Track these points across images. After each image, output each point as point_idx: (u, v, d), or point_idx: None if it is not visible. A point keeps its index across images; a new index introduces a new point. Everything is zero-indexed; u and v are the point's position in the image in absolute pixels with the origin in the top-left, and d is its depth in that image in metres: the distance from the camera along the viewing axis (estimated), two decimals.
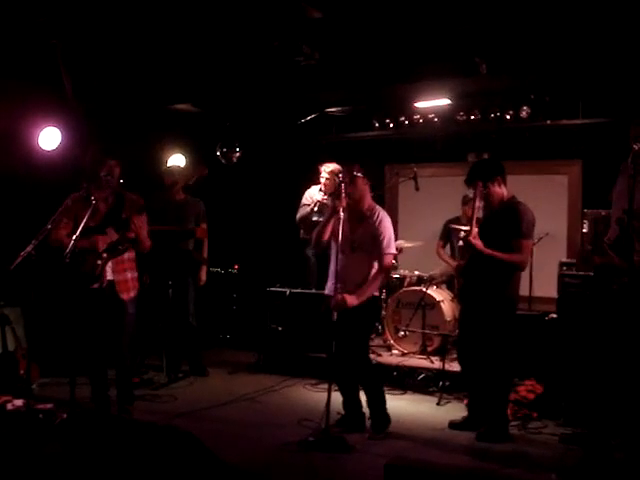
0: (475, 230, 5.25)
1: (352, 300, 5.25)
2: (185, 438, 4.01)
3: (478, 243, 5.20)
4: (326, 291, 5.55)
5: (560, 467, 4.61)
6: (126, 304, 5.65)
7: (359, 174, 5.41)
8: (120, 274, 5.61)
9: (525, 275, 5.79)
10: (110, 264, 5.53)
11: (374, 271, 5.40)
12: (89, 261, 5.44)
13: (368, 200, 5.52)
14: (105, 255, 5.47)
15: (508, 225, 5.24)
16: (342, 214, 5.24)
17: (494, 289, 5.27)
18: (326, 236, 5.47)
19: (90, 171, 5.56)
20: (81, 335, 5.65)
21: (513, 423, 5.59)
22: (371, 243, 5.39)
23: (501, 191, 5.35)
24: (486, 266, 5.24)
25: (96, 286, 5.48)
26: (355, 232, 5.44)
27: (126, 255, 5.64)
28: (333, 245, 5.44)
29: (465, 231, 6.20)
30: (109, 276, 5.55)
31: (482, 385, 5.42)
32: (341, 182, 5.33)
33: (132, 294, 5.71)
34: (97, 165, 5.55)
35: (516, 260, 5.22)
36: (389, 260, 5.49)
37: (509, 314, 5.36)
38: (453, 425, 5.62)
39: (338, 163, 6.90)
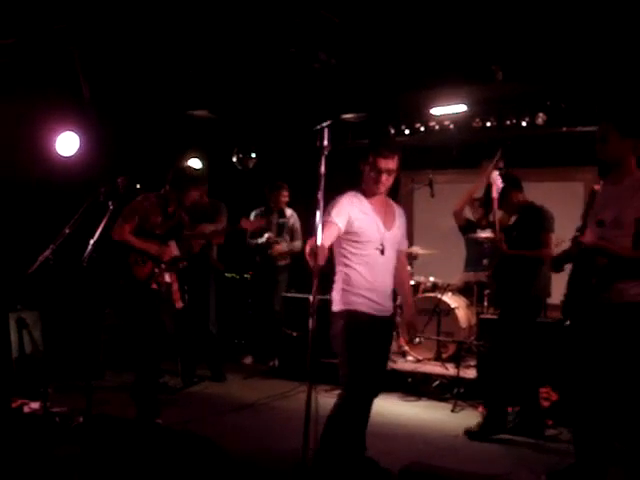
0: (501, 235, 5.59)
1: (415, 316, 4.94)
2: (202, 442, 4.02)
3: (503, 246, 5.53)
4: (366, 309, 4.33)
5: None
6: (175, 312, 5.76)
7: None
8: (175, 284, 5.73)
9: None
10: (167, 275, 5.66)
11: (406, 273, 4.83)
12: (148, 266, 5.52)
13: None
14: (164, 267, 5.58)
15: (532, 223, 5.55)
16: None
17: (521, 289, 5.53)
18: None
19: (177, 182, 5.71)
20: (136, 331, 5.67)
21: None
22: (399, 240, 4.55)
23: (517, 198, 5.67)
24: (512, 267, 5.54)
25: (155, 287, 5.53)
26: (388, 229, 4.42)
27: None
28: (351, 250, 4.35)
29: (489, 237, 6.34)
30: (167, 279, 5.66)
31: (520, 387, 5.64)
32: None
33: (180, 305, 5.82)
34: (185, 182, 5.73)
35: (540, 254, 5.46)
36: None
37: (533, 313, 5.64)
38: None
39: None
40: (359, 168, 4.41)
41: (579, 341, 4.28)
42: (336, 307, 4.35)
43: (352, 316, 4.30)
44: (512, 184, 5.72)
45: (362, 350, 4.29)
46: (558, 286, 7.08)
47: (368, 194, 4.38)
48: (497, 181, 5.81)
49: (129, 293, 5.57)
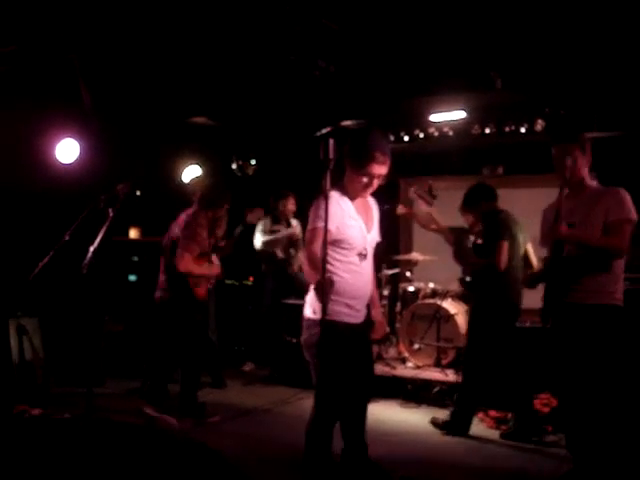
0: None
1: (383, 319, 4.63)
2: (200, 449, 4.02)
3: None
4: (347, 319, 4.22)
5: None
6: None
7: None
8: None
9: (540, 287, 5.82)
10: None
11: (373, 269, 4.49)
12: (204, 286, 5.91)
13: None
14: (213, 282, 6.14)
15: (489, 230, 5.69)
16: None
17: (487, 296, 5.68)
18: None
19: (214, 201, 5.97)
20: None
21: None
22: (377, 238, 4.42)
23: (484, 207, 5.82)
24: (480, 275, 5.77)
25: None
26: (369, 231, 4.31)
27: None
28: (335, 256, 4.17)
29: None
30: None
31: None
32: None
33: None
34: (222, 195, 6.06)
35: (491, 262, 5.53)
36: None
37: (506, 318, 5.70)
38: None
39: None
40: (343, 165, 4.26)
41: (559, 344, 4.36)
42: (315, 315, 4.10)
43: (332, 328, 3.97)
44: (483, 194, 5.86)
45: (340, 365, 4.13)
46: (532, 292, 7.15)
47: (352, 195, 4.24)
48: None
49: (190, 311, 5.87)
